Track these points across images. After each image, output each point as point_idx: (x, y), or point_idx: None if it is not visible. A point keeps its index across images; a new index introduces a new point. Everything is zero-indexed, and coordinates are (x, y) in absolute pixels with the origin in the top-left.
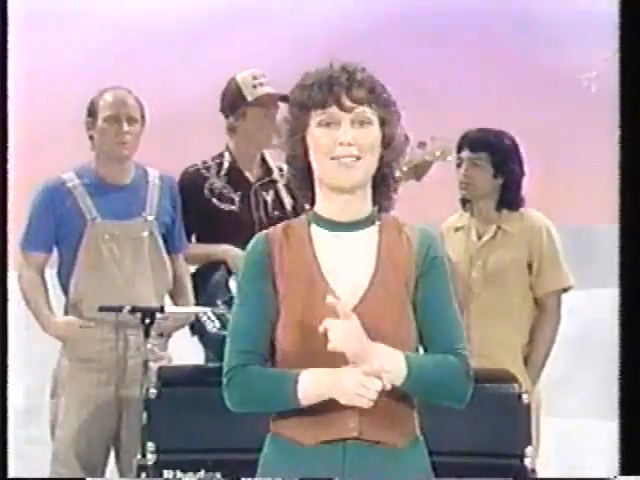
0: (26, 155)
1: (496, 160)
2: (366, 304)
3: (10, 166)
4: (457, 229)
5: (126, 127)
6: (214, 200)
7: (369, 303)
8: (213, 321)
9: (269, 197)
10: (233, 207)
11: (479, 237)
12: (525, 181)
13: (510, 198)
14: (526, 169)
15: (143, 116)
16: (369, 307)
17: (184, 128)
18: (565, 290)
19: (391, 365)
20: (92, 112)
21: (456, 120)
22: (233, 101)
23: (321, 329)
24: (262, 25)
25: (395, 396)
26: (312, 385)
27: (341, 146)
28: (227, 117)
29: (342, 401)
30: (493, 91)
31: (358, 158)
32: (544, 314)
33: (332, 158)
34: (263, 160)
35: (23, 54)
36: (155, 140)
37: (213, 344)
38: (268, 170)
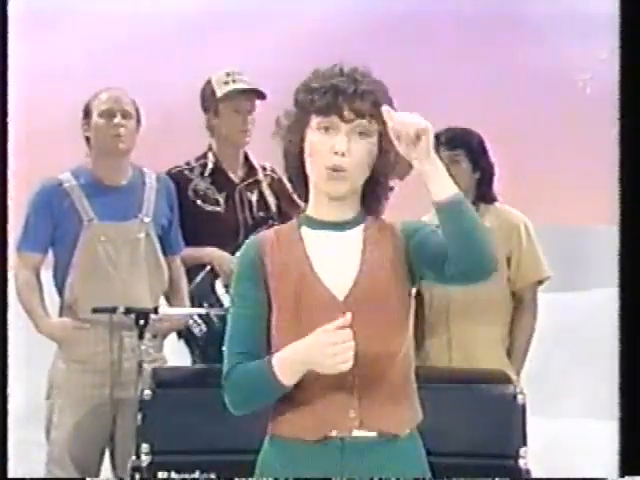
0: (26, 155)
1: (472, 156)
2: (355, 294)
3: (10, 166)
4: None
5: (121, 120)
6: (198, 201)
7: (358, 293)
8: (199, 324)
9: (254, 197)
10: (218, 208)
11: None
12: (517, 179)
13: (486, 192)
14: (515, 166)
15: (138, 114)
16: (358, 296)
17: (183, 129)
18: (542, 282)
19: (443, 174)
20: (87, 113)
21: (451, 120)
22: (207, 99)
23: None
24: (260, 26)
25: (393, 385)
26: (286, 365)
27: (335, 155)
28: (206, 116)
29: (321, 370)
30: (489, 92)
31: (347, 171)
32: (523, 306)
33: (325, 167)
34: (246, 160)
35: (23, 54)
36: (153, 141)
37: (199, 347)
38: (252, 170)
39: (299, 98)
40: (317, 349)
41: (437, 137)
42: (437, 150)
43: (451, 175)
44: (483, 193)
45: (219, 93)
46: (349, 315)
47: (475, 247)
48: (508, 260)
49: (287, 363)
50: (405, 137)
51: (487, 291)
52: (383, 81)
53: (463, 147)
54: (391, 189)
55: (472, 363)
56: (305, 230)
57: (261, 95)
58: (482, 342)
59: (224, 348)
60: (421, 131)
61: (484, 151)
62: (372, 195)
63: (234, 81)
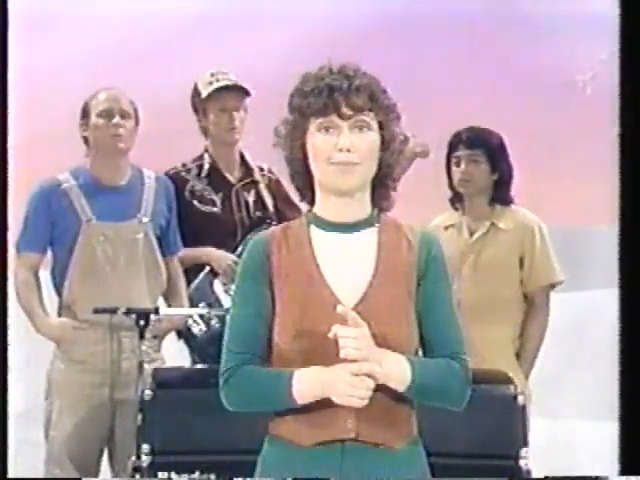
0: (26, 156)
1: (491, 157)
2: (366, 305)
3: (10, 166)
4: (447, 227)
5: (120, 120)
6: (195, 202)
7: (369, 304)
8: (199, 324)
9: (250, 198)
10: (214, 209)
11: (471, 234)
12: (517, 180)
13: (503, 194)
14: (514, 167)
15: (136, 114)
16: (369, 308)
17: (181, 130)
18: (554, 285)
19: (396, 372)
20: (85, 113)
21: (451, 120)
22: (194, 101)
23: (331, 336)
24: (259, 26)
25: (394, 397)
26: (306, 385)
27: (340, 152)
28: (197, 118)
29: (336, 401)
30: (489, 92)
31: (356, 164)
32: (534, 309)
33: (331, 163)
34: (243, 160)
35: (23, 54)
36: (151, 142)
37: (199, 347)
38: (249, 171)
39: (294, 103)
40: (336, 385)
41: (458, 135)
42: (457, 148)
43: (468, 173)
44: (500, 195)
45: (204, 94)
46: (378, 368)
47: (444, 402)
48: (521, 261)
49: (306, 385)
50: None
51: (499, 292)
52: (383, 82)
53: (483, 147)
54: (397, 179)
55: (480, 364)
56: (314, 230)
57: (247, 92)
58: (491, 343)
59: (223, 346)
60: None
61: (504, 153)
62: (381, 188)
63: (218, 80)
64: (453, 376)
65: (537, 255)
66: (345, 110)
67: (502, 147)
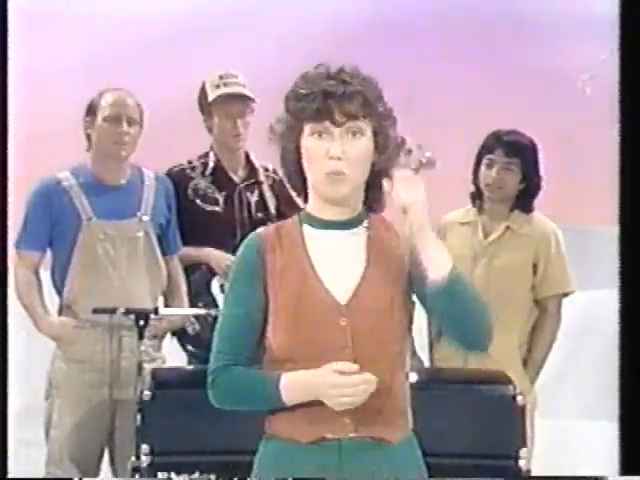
0: (25, 155)
1: (525, 167)
2: (358, 300)
3: (10, 166)
4: (462, 224)
5: (126, 127)
6: (197, 201)
7: (361, 299)
8: (193, 323)
9: (253, 198)
10: (217, 208)
11: (486, 235)
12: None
13: (527, 203)
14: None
15: (142, 118)
16: (361, 303)
17: (182, 129)
18: (566, 295)
19: (437, 256)
20: (91, 111)
21: (452, 122)
22: (201, 101)
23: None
24: (260, 26)
25: (391, 392)
26: (292, 390)
27: (331, 159)
28: (203, 117)
29: (329, 404)
30: (489, 92)
31: (346, 174)
32: (545, 317)
33: (324, 173)
34: (248, 160)
35: (23, 54)
36: (153, 141)
37: (193, 346)
38: (253, 171)
39: (289, 106)
40: (324, 389)
41: (498, 137)
42: (493, 150)
43: (501, 180)
44: (523, 203)
45: (210, 97)
46: (372, 377)
47: (470, 329)
48: (534, 268)
49: (293, 390)
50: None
51: (509, 296)
52: (382, 82)
53: (519, 156)
54: (391, 180)
55: (488, 367)
56: (307, 229)
57: (253, 99)
58: (499, 347)
59: (213, 346)
60: (405, 206)
61: (536, 164)
62: (375, 190)
63: (225, 84)
64: (484, 306)
65: (551, 263)
66: (338, 117)
67: (536, 157)
